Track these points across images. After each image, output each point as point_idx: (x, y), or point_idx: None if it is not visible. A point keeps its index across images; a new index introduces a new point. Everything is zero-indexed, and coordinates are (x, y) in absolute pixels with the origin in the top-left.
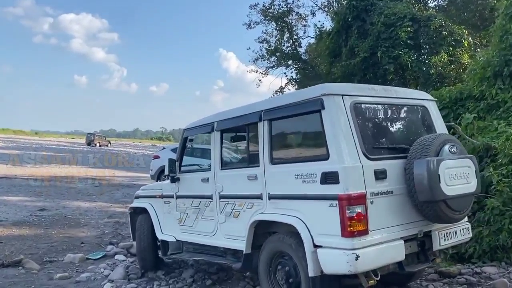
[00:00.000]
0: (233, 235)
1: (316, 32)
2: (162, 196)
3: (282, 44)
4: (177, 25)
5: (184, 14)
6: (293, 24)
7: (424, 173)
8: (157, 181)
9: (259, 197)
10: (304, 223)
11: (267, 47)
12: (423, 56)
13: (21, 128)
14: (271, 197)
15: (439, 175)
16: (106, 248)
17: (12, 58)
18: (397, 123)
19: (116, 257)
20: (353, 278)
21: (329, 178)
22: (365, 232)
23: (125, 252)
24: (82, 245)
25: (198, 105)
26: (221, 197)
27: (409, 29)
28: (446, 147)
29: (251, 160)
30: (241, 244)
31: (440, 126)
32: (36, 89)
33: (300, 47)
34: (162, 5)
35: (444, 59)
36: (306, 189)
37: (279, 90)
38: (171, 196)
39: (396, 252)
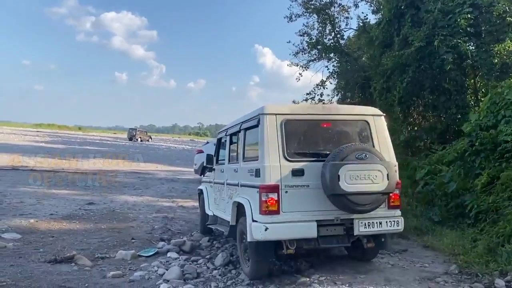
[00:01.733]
0: (228, 211)
1: (359, 24)
2: (209, 182)
3: (324, 36)
4: (214, 22)
5: (221, 11)
6: (335, 16)
7: (327, 173)
8: (201, 175)
9: (237, 185)
10: (250, 204)
11: (308, 40)
12: (484, 45)
13: (65, 123)
14: (241, 185)
15: (339, 175)
16: (157, 244)
17: (57, 56)
18: (329, 134)
19: (169, 254)
20: (280, 249)
21: (257, 173)
22: (276, 212)
23: (177, 250)
24: (133, 241)
25: (234, 101)
26: (227, 184)
27: (469, 15)
28: (354, 155)
29: (237, 158)
30: (229, 217)
31: (380, 137)
32: (79, 86)
33: (343, 39)
34: (200, 3)
35: (509, 47)
36: (251, 180)
37: (320, 84)
38: (211, 182)
39: (306, 230)
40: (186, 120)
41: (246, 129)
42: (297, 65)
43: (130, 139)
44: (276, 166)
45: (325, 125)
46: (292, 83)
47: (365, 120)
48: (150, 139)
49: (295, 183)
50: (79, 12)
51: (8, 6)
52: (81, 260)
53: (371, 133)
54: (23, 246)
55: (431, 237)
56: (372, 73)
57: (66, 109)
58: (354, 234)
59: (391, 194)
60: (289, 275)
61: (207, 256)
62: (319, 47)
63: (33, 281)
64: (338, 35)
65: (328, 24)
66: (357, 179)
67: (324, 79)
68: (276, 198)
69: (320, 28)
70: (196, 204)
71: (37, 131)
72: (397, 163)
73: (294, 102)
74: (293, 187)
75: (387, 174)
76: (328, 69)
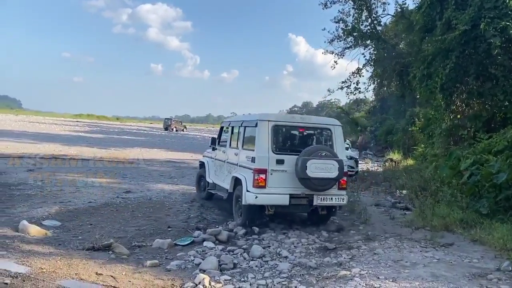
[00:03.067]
0: (227, 182)
1: (397, 9)
2: (210, 158)
3: (360, 23)
4: (248, 11)
5: (255, 0)
6: (371, 1)
7: (299, 163)
8: None
9: (236, 164)
10: (246, 180)
11: (343, 27)
12: None
13: (104, 113)
14: (240, 165)
15: (306, 166)
16: (193, 233)
17: (95, 48)
18: (303, 136)
19: (205, 244)
20: (264, 211)
21: (253, 160)
22: (264, 186)
23: (213, 239)
24: (169, 229)
25: (267, 90)
26: (227, 162)
27: None
28: (317, 153)
29: (237, 145)
30: (227, 186)
31: (338, 141)
32: (116, 77)
33: (380, 25)
34: None
35: None
36: (248, 164)
37: (356, 72)
38: (213, 158)
39: (282, 199)
40: (220, 110)
41: (246, 126)
42: (332, 53)
43: (166, 129)
44: (266, 156)
45: (300, 130)
46: (326, 71)
47: (329, 128)
48: (185, 129)
49: (277, 169)
50: (115, 4)
51: (48, 1)
52: (118, 248)
53: (332, 137)
54: (62, 234)
55: (479, 230)
56: (412, 59)
57: (104, 100)
58: (313, 204)
59: (340, 180)
60: (329, 267)
61: (243, 247)
62: (355, 34)
63: (72, 268)
64: (375, 21)
65: (365, 10)
66: (318, 169)
67: (360, 67)
68: (264, 177)
69: (356, 14)
70: None
71: (77, 121)
72: (347, 159)
73: (329, 90)
74: (276, 171)
75: (338, 167)
76: (364, 56)
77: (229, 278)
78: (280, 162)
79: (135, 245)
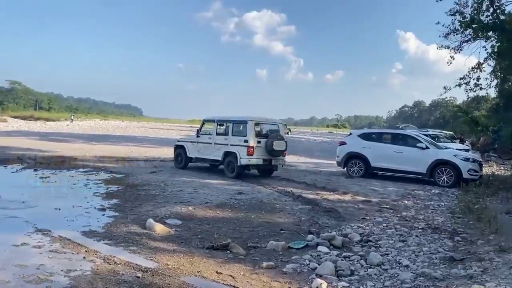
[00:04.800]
0: (216, 154)
1: None
2: (192, 141)
3: (480, 13)
4: (352, 11)
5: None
6: None
7: (268, 142)
8: (344, 168)
9: (227, 144)
10: (239, 153)
11: (460, 19)
12: None
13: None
14: (231, 145)
15: (273, 144)
16: (306, 237)
17: (205, 58)
18: (270, 128)
19: (319, 248)
20: (248, 169)
21: (245, 141)
22: (252, 155)
23: (327, 244)
24: (282, 232)
25: (374, 90)
26: (215, 143)
27: None
28: (277, 137)
29: (226, 133)
30: (219, 157)
31: (282, 132)
32: (223, 84)
33: (504, 14)
34: None
35: None
36: (241, 143)
37: (476, 67)
38: (196, 142)
39: (259, 161)
40: (324, 112)
41: (234, 122)
42: (448, 48)
43: None
44: (253, 139)
45: (267, 124)
46: (439, 68)
47: (277, 124)
48: (289, 132)
49: (258, 145)
50: (223, 14)
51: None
52: (235, 248)
53: (279, 129)
54: (183, 232)
55: None
56: None
57: (213, 105)
58: (272, 164)
59: (285, 152)
60: (458, 280)
61: (360, 253)
62: (474, 25)
63: (194, 266)
64: (497, 11)
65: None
66: (277, 145)
67: (481, 61)
68: (252, 150)
69: (475, 4)
70: (341, 197)
71: (190, 126)
72: (469, 162)
73: (445, 88)
74: (257, 147)
75: (285, 145)
76: (485, 49)
77: (347, 285)
78: (259, 142)
79: (250, 245)
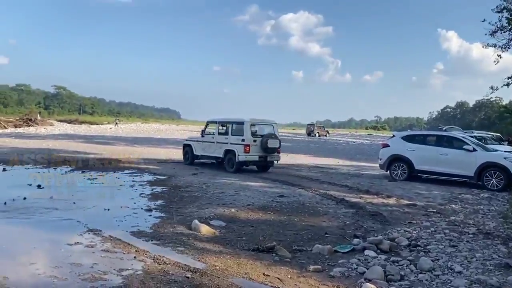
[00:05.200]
0: (218, 152)
1: None
2: (197, 141)
3: None
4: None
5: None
6: None
7: (263, 141)
8: (387, 170)
9: (227, 143)
10: (237, 150)
11: (508, 16)
12: None
13: None
14: (231, 143)
15: (267, 142)
16: (352, 241)
17: (241, 60)
18: (265, 128)
19: (366, 252)
20: (246, 165)
21: (243, 140)
22: (248, 152)
23: (375, 248)
24: (326, 235)
25: (414, 91)
26: (217, 142)
27: None
28: (271, 136)
29: (226, 133)
30: (221, 155)
31: (276, 131)
32: (259, 86)
33: None
34: None
35: None
36: (239, 142)
37: None
38: (201, 141)
39: (255, 158)
40: (362, 114)
41: (233, 123)
42: (494, 46)
43: (309, 134)
44: (249, 138)
45: (263, 125)
46: (484, 67)
47: (272, 124)
48: (327, 134)
49: (254, 144)
50: (260, 17)
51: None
52: (281, 251)
53: (274, 129)
54: (228, 234)
55: None
56: None
57: (249, 108)
58: (267, 160)
59: (278, 149)
60: None
61: (408, 258)
62: None
63: (241, 267)
64: None
65: None
66: (271, 143)
67: None
68: (249, 148)
69: None
70: (385, 201)
71: None
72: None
73: (492, 88)
74: (253, 145)
75: (279, 143)
76: None
77: None
78: (255, 140)
79: (295, 249)
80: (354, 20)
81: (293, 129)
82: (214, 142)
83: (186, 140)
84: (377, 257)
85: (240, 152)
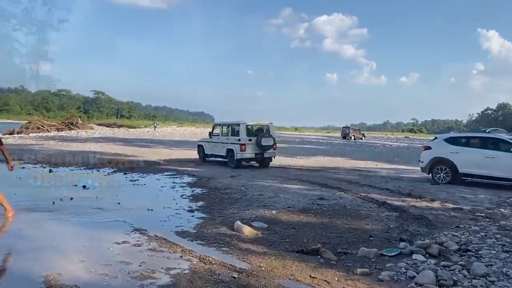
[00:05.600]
0: (223, 151)
1: None
2: (207, 141)
3: None
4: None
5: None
6: None
7: (258, 140)
8: (428, 174)
9: (228, 143)
10: (235, 148)
11: None
12: None
13: (283, 124)
14: (231, 143)
15: (261, 140)
16: (398, 244)
17: (274, 64)
18: (259, 128)
19: (414, 256)
20: (245, 162)
21: (239, 140)
22: (244, 150)
23: (423, 252)
24: (371, 238)
25: (452, 92)
26: (221, 142)
27: None
28: (265, 135)
29: (228, 133)
30: (224, 154)
31: (271, 131)
32: (293, 89)
33: None
34: None
35: None
36: (237, 142)
37: None
38: (209, 141)
39: (251, 155)
40: (398, 117)
41: (232, 125)
42: None
43: (344, 137)
44: (244, 138)
45: (258, 126)
46: None
47: (267, 125)
48: (363, 137)
49: (249, 143)
50: (293, 20)
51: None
52: (326, 254)
53: (269, 129)
54: (270, 235)
55: None
56: None
57: (283, 111)
58: (264, 157)
59: (274, 146)
60: None
61: (460, 263)
62: None
63: (286, 269)
64: None
65: None
66: (265, 142)
67: None
68: (244, 147)
69: None
70: (429, 204)
71: None
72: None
73: None
74: (249, 144)
75: (273, 141)
76: None
77: None
78: (250, 140)
79: (340, 251)
80: (389, 21)
81: (327, 132)
82: (219, 142)
83: (199, 141)
84: (427, 261)
85: (237, 150)
